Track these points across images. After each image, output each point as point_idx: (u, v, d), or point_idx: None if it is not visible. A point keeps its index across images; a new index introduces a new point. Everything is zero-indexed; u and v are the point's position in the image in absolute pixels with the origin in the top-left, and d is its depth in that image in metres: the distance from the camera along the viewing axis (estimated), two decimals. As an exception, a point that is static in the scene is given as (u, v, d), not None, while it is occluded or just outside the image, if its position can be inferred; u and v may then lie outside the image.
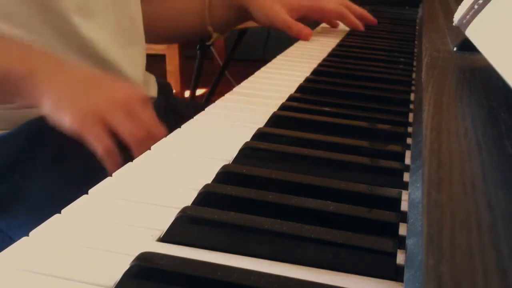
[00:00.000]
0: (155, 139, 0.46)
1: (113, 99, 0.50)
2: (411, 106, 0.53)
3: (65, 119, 0.49)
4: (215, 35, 0.89)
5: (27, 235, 0.28)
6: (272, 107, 0.50)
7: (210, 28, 0.88)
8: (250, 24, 0.97)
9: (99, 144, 0.48)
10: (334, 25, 0.99)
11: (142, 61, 0.75)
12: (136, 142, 0.49)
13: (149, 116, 0.51)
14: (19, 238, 0.27)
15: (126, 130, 0.49)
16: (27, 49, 0.54)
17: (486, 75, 0.40)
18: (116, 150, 0.48)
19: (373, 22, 0.97)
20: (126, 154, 0.48)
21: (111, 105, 0.50)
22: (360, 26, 0.93)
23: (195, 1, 0.88)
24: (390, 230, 0.29)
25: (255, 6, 0.86)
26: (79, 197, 0.32)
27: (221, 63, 2.45)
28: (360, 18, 0.94)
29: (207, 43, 0.93)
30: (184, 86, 2.75)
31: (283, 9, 0.85)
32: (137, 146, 0.49)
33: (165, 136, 0.47)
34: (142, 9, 0.72)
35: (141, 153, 0.42)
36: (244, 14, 0.88)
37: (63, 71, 0.52)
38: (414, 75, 0.64)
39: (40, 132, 0.60)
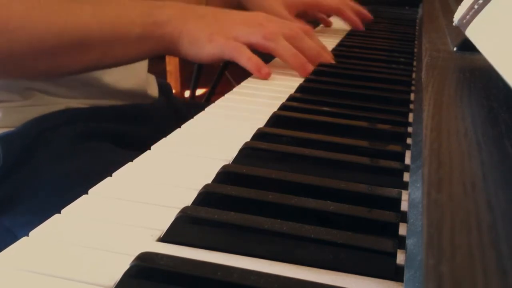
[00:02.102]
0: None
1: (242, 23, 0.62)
2: (411, 106, 0.53)
3: (210, 47, 0.59)
4: None
5: (31, 234, 0.28)
6: (272, 107, 0.50)
7: None
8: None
9: (248, 60, 0.59)
10: (327, 24, 1.00)
11: (144, 63, 0.75)
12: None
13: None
14: (24, 236, 0.27)
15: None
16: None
17: (486, 75, 0.40)
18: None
19: (369, 18, 0.99)
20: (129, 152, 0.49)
21: (240, 27, 0.61)
22: (358, 22, 0.94)
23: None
24: (390, 230, 0.29)
25: (254, 3, 0.87)
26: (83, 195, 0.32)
27: (221, 63, 2.45)
28: (357, 14, 0.96)
29: None
30: (184, 86, 2.75)
31: (282, 6, 0.86)
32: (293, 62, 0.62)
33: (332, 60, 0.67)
34: None
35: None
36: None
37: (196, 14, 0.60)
38: (414, 75, 0.64)
39: (45, 130, 0.60)
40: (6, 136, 0.58)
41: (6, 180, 0.57)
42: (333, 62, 0.68)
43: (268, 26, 0.62)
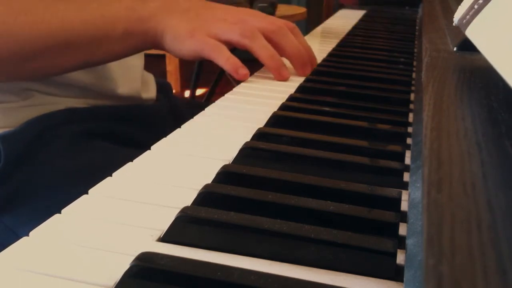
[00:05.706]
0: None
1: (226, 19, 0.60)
2: (411, 106, 0.53)
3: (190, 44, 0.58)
4: None
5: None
6: (272, 107, 0.50)
7: None
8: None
9: (226, 61, 0.58)
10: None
11: (139, 62, 0.74)
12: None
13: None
14: (25, 235, 0.27)
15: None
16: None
17: (486, 75, 0.40)
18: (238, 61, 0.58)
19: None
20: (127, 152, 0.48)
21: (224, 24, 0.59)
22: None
23: None
24: (390, 230, 0.29)
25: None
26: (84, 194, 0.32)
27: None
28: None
29: None
30: (184, 86, 2.75)
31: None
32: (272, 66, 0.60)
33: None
34: None
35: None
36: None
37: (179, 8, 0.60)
38: (414, 75, 0.64)
39: (45, 129, 0.60)
40: (7, 135, 0.58)
41: (7, 179, 0.57)
42: (315, 65, 0.66)
43: (248, 22, 0.60)
